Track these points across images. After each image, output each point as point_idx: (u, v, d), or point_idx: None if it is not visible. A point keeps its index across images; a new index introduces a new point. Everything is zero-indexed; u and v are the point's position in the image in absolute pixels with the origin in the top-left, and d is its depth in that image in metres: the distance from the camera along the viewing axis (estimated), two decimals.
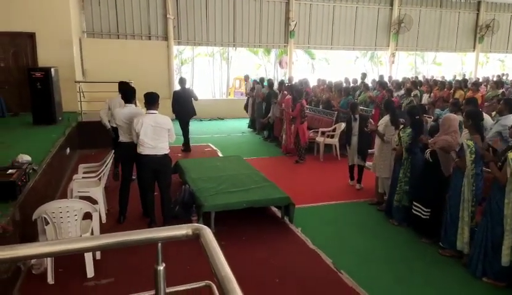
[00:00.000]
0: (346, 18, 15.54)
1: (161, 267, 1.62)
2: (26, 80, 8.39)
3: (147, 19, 12.98)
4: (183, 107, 8.97)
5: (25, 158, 4.79)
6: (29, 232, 4.12)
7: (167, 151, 5.02)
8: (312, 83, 12.69)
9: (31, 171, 4.72)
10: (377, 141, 5.92)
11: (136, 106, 5.73)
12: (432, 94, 11.00)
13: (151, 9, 12.95)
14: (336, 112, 9.35)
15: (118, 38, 12.73)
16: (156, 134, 4.84)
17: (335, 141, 8.87)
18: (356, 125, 6.76)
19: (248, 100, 12.43)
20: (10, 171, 4.31)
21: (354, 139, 6.79)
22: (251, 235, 4.97)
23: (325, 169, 8.22)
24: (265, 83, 11.57)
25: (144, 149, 4.87)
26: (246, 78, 13.63)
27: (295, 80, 12.82)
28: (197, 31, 13.72)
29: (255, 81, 12.41)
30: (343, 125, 8.68)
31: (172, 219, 5.23)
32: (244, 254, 4.43)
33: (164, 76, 13.09)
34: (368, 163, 6.73)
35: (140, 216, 5.47)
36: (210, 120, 13.90)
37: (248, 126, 12.38)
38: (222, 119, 14.12)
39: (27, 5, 9.22)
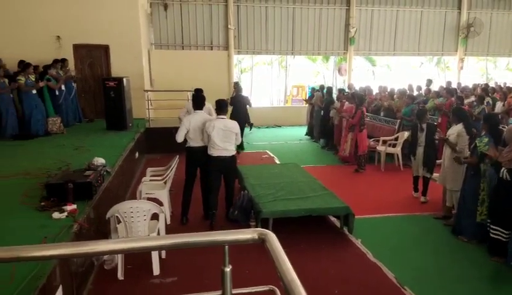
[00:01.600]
0: (410, 22, 14.96)
1: (228, 269, 1.67)
2: (101, 89, 9.13)
3: (209, 31, 13.53)
4: (238, 112, 9.44)
5: (100, 161, 5.19)
6: (101, 229, 4.45)
7: (233, 152, 5.43)
8: (373, 90, 12.34)
9: (105, 173, 5.12)
10: (446, 151, 5.58)
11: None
12: (506, 102, 10.18)
13: (213, 21, 13.48)
14: (398, 120, 9.01)
15: (183, 49, 13.40)
16: (225, 137, 5.23)
17: (397, 150, 8.54)
18: (422, 136, 6.35)
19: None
20: (87, 172, 4.71)
21: (420, 150, 6.40)
22: (309, 244, 4.94)
23: (386, 180, 7.93)
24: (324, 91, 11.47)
25: (215, 151, 5.26)
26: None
27: (354, 87, 12.58)
28: (257, 40, 14.01)
29: (313, 88, 12.37)
30: (406, 134, 8.34)
31: (231, 222, 5.40)
32: (302, 263, 4.39)
33: (224, 84, 13.47)
34: (434, 175, 6.37)
35: (201, 218, 5.68)
36: (267, 127, 14.03)
37: (306, 134, 12.33)
38: (279, 126, 14.20)
39: (102, 20, 10.04)
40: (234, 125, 5.37)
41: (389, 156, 8.71)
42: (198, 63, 13.02)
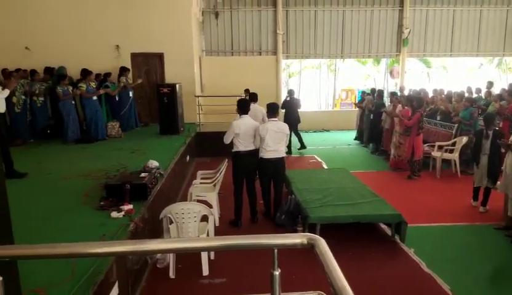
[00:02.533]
0: (469, 22, 14.16)
1: (277, 272, 1.68)
2: (155, 94, 9.56)
3: (258, 36, 13.72)
4: (291, 115, 10.11)
5: (154, 163, 5.44)
6: (155, 229, 4.64)
7: (284, 154, 5.70)
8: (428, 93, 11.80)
9: (158, 175, 5.35)
10: (509, 158, 5.19)
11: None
12: None
13: (262, 27, 13.65)
14: (456, 125, 8.54)
15: (232, 55, 13.69)
16: (277, 139, 5.50)
17: (454, 156, 8.08)
18: (487, 143, 5.85)
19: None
20: (142, 174, 4.95)
21: (484, 159, 5.90)
22: (358, 252, 4.82)
23: (442, 187, 7.53)
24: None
25: (267, 153, 5.48)
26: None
27: (407, 90, 12.15)
28: (305, 45, 13.96)
29: (363, 92, 12.12)
30: (464, 139, 7.90)
31: (277, 227, 5.42)
32: (351, 271, 4.24)
33: (272, 89, 13.56)
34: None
35: (249, 221, 5.76)
36: (315, 131, 13.88)
37: (355, 139, 12.05)
38: (327, 131, 14.02)
39: (158, 30, 10.53)
40: (286, 127, 5.66)
41: (445, 162, 8.28)
42: (247, 68, 13.22)
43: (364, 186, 6.09)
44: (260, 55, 13.85)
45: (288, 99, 10.43)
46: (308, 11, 13.76)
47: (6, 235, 2.27)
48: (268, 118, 5.68)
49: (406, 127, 8.09)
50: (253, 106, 7.34)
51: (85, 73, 9.03)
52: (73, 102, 8.75)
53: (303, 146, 10.64)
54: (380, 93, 10.72)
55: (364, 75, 21.55)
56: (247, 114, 5.62)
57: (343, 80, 20.59)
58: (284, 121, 9.73)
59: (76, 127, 8.73)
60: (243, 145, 5.47)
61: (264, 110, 6.90)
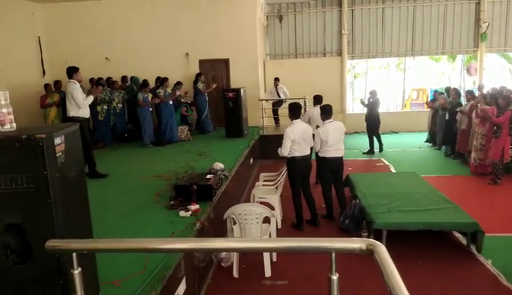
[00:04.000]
0: None
1: (335, 277, 1.67)
2: (221, 99, 9.89)
3: (323, 37, 13.52)
4: (373, 116, 10.18)
5: (219, 165, 5.65)
6: (219, 229, 4.80)
7: (343, 153, 5.80)
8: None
9: (223, 177, 5.54)
10: None
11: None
12: None
13: (326, 27, 13.44)
14: None
15: (296, 57, 13.66)
16: (338, 137, 5.62)
17: None
18: None
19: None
20: (208, 176, 5.17)
21: None
22: (428, 261, 4.55)
23: None
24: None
25: (328, 152, 5.58)
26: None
27: (486, 88, 11.19)
28: (372, 43, 13.48)
29: (435, 91, 11.42)
30: None
31: (342, 232, 5.31)
32: (420, 282, 4.06)
33: (336, 91, 13.29)
34: None
35: (311, 225, 5.70)
36: (382, 133, 13.26)
37: (426, 141, 11.37)
38: (396, 133, 13.38)
39: (224, 36, 10.87)
40: (342, 125, 5.78)
41: None
42: (311, 70, 13.07)
43: (436, 191, 5.74)
44: (325, 56, 13.64)
45: (371, 100, 10.24)
46: (375, 9, 13.28)
47: (86, 230, 2.52)
48: (323, 120, 5.67)
49: (494, 128, 7.37)
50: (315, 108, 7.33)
51: (161, 80, 9.65)
52: (150, 108, 9.35)
53: (370, 151, 10.38)
54: (457, 91, 10.00)
55: (438, 73, 20.28)
56: (298, 118, 5.50)
57: (413, 79, 19.56)
58: (366, 122, 10.26)
59: (151, 131, 9.32)
60: (298, 151, 5.35)
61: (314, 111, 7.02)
